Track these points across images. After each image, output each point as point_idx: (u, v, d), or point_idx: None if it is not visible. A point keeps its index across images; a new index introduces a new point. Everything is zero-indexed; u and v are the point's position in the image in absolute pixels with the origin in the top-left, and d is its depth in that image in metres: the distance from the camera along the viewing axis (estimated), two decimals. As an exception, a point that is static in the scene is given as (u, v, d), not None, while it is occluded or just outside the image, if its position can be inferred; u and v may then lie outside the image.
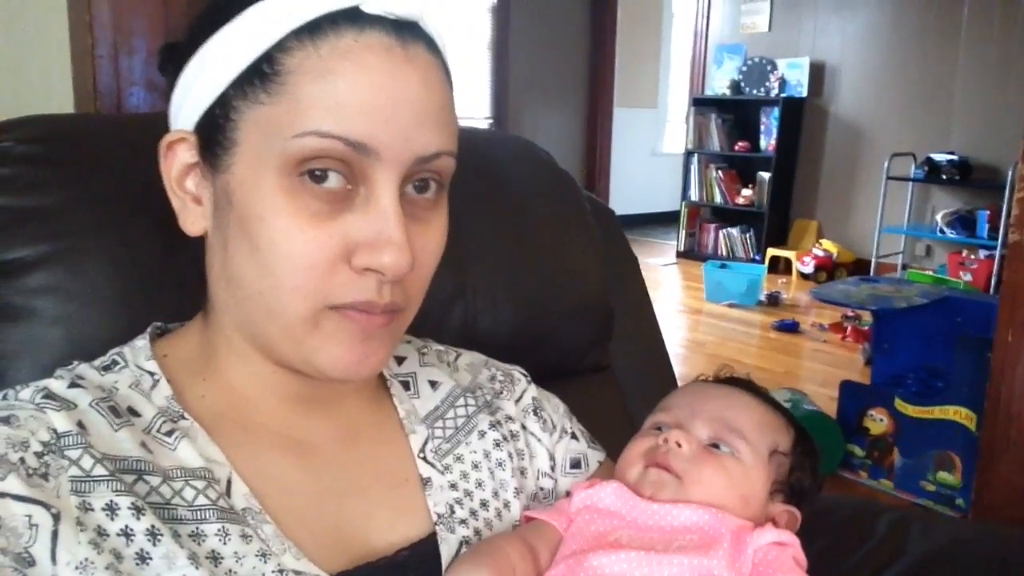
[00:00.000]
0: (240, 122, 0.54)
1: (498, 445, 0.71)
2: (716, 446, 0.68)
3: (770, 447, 0.69)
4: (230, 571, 0.52)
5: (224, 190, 0.56)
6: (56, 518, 0.48)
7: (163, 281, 0.71)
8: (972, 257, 4.90)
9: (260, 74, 0.53)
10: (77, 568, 0.48)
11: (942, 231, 5.11)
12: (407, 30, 0.54)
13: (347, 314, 0.55)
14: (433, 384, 0.72)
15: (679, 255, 6.45)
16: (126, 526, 0.50)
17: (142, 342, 0.62)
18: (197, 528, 0.53)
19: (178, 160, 0.59)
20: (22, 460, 0.49)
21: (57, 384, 0.56)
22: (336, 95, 0.52)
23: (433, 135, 0.55)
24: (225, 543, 0.53)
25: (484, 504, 0.67)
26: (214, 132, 0.55)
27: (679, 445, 0.67)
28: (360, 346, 0.56)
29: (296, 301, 0.54)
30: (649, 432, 0.71)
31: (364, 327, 0.56)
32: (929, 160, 5.09)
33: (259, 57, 0.53)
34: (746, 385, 0.76)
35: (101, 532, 0.50)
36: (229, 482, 0.56)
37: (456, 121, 0.59)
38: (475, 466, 0.68)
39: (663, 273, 5.95)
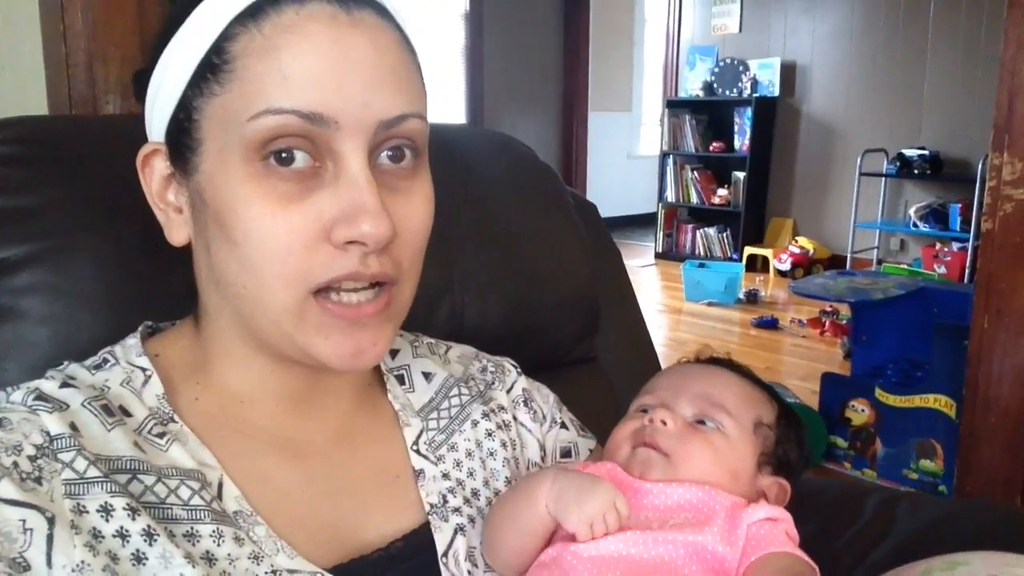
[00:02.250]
0: (201, 120, 0.54)
1: (490, 435, 0.71)
2: (702, 422, 0.69)
3: (754, 420, 0.70)
4: (224, 572, 0.52)
5: (197, 191, 0.55)
6: (51, 522, 0.48)
7: (150, 280, 0.71)
8: (945, 250, 4.96)
9: (211, 67, 0.53)
10: (73, 571, 0.47)
11: (915, 225, 5.17)
12: None
13: (328, 307, 0.54)
14: (427, 376, 0.72)
15: (657, 256, 6.48)
16: (121, 527, 0.50)
17: (133, 340, 0.62)
18: (192, 528, 0.53)
19: (156, 174, 0.59)
20: (15, 464, 0.49)
21: (48, 385, 0.55)
22: (282, 69, 0.51)
23: (393, 97, 0.53)
24: (219, 545, 0.53)
25: (476, 493, 0.67)
26: (181, 136, 0.55)
27: (664, 423, 0.68)
28: (350, 338, 0.55)
29: (279, 290, 0.53)
30: (635, 414, 0.72)
31: (349, 319, 0.54)
32: (900, 156, 5.15)
33: (208, 51, 0.53)
34: (727, 364, 0.77)
35: (96, 534, 0.49)
36: (220, 485, 0.56)
37: (420, 83, 0.57)
38: (468, 454, 0.69)
39: (642, 274, 5.97)
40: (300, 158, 0.52)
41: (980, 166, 4.39)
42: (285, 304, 0.53)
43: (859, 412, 2.65)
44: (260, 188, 0.52)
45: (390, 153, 0.55)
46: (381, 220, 0.52)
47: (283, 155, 0.52)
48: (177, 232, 0.59)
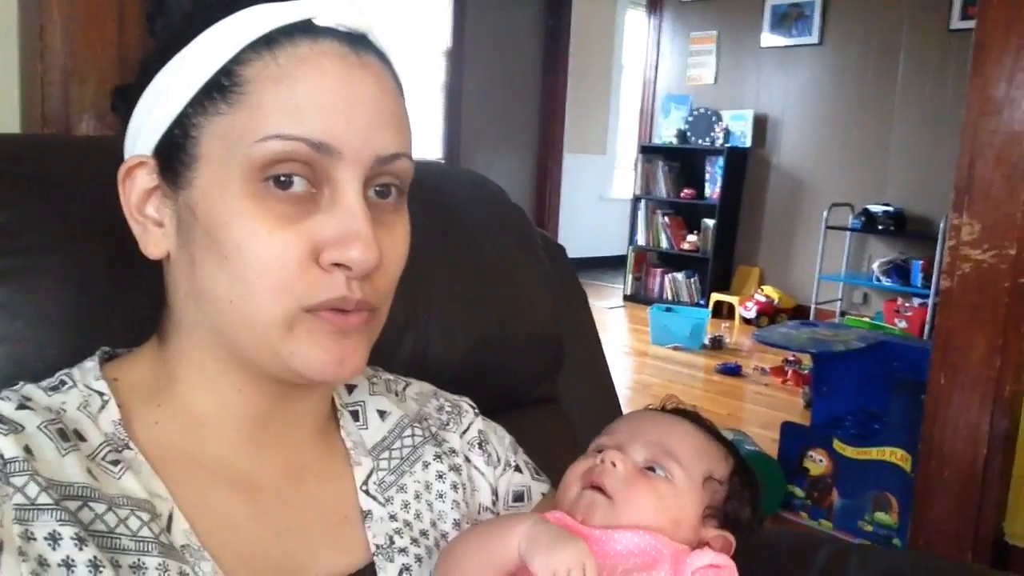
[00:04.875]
0: (201, 137, 0.55)
1: (441, 477, 0.71)
2: (652, 469, 0.69)
3: (704, 473, 0.71)
4: None
5: (187, 206, 0.56)
6: None
7: (113, 304, 0.70)
8: (907, 305, 5.05)
9: (219, 87, 0.54)
10: None
11: (878, 279, 5.27)
12: (358, 42, 0.57)
13: (321, 315, 0.55)
14: (382, 414, 0.72)
15: (626, 298, 6.53)
16: (67, 556, 0.49)
17: (91, 363, 0.61)
18: (139, 560, 0.52)
19: (137, 186, 0.59)
20: None
21: (4, 406, 0.54)
22: (295, 98, 0.53)
23: (390, 136, 0.57)
24: None
25: (424, 533, 0.67)
26: (175, 151, 0.56)
27: (614, 465, 0.68)
28: (336, 346, 0.56)
29: (269, 305, 0.54)
30: (589, 454, 0.72)
31: (339, 327, 0.56)
32: (866, 211, 5.26)
33: (217, 72, 0.54)
34: (690, 416, 0.77)
35: (42, 562, 0.49)
36: (170, 518, 0.55)
37: (410, 129, 0.60)
38: (416, 496, 0.69)
39: (610, 316, 6.00)
40: (298, 183, 0.54)
41: (942, 224, 4.49)
42: (274, 317, 0.54)
43: (817, 462, 2.67)
44: (258, 207, 0.53)
45: (379, 189, 0.58)
46: (371, 248, 0.54)
47: (282, 179, 0.54)
48: (155, 246, 0.59)
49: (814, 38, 5.70)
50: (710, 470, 0.71)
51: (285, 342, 0.55)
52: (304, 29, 0.55)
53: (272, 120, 0.53)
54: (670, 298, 6.29)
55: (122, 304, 0.70)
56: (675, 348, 4.96)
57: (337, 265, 0.54)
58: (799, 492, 2.71)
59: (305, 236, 0.54)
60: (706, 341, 5.02)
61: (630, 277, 6.57)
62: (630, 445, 0.71)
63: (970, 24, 2.82)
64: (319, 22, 0.55)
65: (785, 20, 5.83)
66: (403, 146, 0.58)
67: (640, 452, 0.70)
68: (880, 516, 2.53)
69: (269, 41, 0.54)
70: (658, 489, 0.68)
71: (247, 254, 0.54)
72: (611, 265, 7.49)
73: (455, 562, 0.64)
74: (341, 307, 0.55)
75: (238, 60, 0.54)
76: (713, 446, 0.74)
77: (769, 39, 5.92)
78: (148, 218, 0.59)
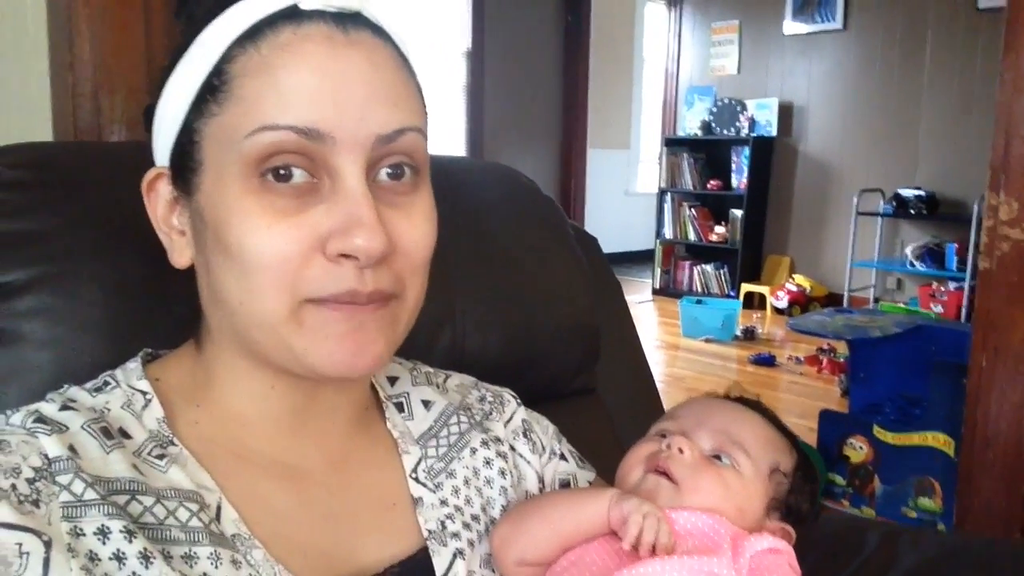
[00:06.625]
0: (202, 141, 0.55)
1: (488, 463, 0.71)
2: (718, 458, 0.68)
3: (771, 465, 0.70)
4: None
5: (198, 211, 0.56)
6: (47, 545, 0.47)
7: (153, 306, 0.71)
8: (942, 289, 4.98)
9: (211, 89, 0.54)
10: None
11: (912, 264, 5.19)
12: (349, 20, 0.54)
13: (328, 305, 0.54)
14: (426, 404, 0.72)
15: (655, 292, 6.50)
16: (118, 550, 0.50)
17: (134, 364, 0.62)
18: (190, 550, 0.52)
19: (160, 198, 0.60)
20: (13, 487, 0.49)
21: (48, 407, 0.55)
22: (278, 86, 0.52)
23: (390, 112, 0.54)
24: (216, 567, 0.53)
25: (475, 518, 0.67)
26: (183, 159, 0.56)
27: (681, 451, 0.67)
28: (350, 338, 0.54)
29: (272, 300, 0.53)
30: (653, 438, 0.72)
31: (349, 316, 0.54)
32: (897, 196, 5.20)
33: (209, 74, 0.54)
34: (755, 405, 0.76)
35: (93, 557, 0.49)
36: (219, 508, 0.56)
37: (419, 100, 0.58)
38: (466, 482, 0.69)
39: (639, 310, 5.98)
40: (298, 175, 0.52)
41: (976, 206, 4.42)
42: (279, 312, 0.53)
43: (857, 450, 2.64)
44: (257, 203, 0.52)
45: (389, 171, 0.56)
46: (376, 234, 0.52)
47: (281, 172, 0.52)
48: (180, 255, 0.60)
49: (838, 23, 5.63)
50: (777, 462, 0.70)
51: (298, 338, 0.54)
52: (289, 16, 0.53)
53: (258, 112, 0.52)
54: (700, 290, 6.25)
55: (161, 305, 0.70)
56: (707, 340, 4.92)
57: (345, 256, 0.52)
58: (840, 480, 2.68)
59: (307, 228, 0.52)
60: (738, 332, 4.99)
61: (658, 271, 6.54)
62: (695, 432, 0.70)
63: (999, 2, 2.78)
64: (305, 6, 0.53)
65: (807, 6, 5.77)
66: (407, 120, 0.55)
67: (706, 440, 0.69)
68: (924, 501, 2.49)
69: (254, 34, 0.53)
70: (725, 478, 0.67)
71: (247, 251, 0.52)
72: (638, 260, 7.47)
73: (536, 515, 0.64)
74: (352, 300, 0.53)
75: (227, 58, 0.53)
76: (779, 438, 0.73)
77: (792, 26, 5.86)
78: (173, 228, 0.60)
